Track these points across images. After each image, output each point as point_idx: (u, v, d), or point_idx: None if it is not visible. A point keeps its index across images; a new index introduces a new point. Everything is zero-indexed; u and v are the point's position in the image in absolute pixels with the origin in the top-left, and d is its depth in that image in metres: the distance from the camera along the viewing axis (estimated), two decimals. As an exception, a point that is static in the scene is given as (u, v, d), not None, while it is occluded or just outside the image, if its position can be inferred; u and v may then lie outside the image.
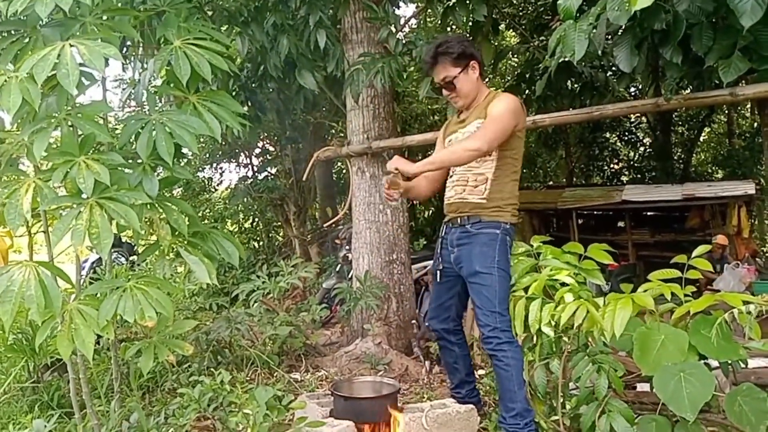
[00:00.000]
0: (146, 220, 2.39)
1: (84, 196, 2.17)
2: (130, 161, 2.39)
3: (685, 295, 2.55)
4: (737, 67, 3.07)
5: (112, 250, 2.36)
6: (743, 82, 3.86)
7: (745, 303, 2.32)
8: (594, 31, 3.09)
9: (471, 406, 2.94)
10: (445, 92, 2.97)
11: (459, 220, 2.92)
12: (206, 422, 3.04)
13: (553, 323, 2.60)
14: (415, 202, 8.25)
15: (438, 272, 3.06)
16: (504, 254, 2.80)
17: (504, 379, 2.70)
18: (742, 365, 2.61)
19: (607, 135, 12.78)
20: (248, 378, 3.80)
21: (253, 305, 4.46)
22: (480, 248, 2.80)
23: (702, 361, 2.40)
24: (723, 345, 2.37)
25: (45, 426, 2.78)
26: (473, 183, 2.89)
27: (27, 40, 2.39)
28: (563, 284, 2.73)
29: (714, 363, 2.50)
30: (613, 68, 6.39)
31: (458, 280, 2.96)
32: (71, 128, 2.31)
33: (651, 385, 2.63)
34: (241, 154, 8.52)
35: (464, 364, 3.11)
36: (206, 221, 7.93)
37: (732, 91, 3.27)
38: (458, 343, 3.08)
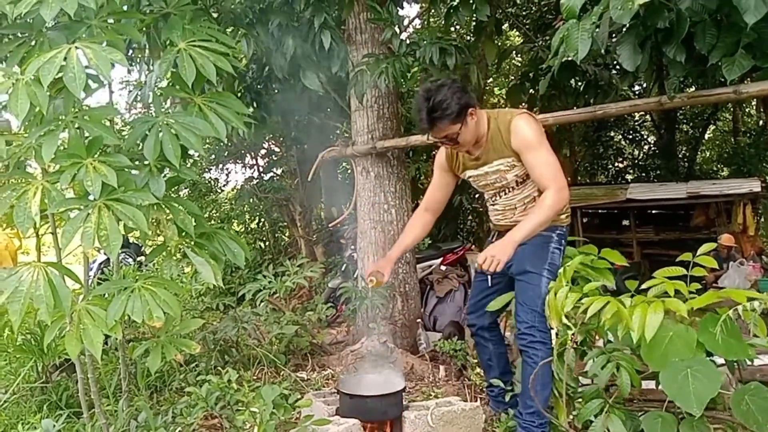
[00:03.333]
0: (153, 220, 2.42)
1: (91, 198, 2.19)
2: (136, 162, 2.41)
3: (690, 293, 2.56)
4: (741, 64, 3.07)
5: (120, 251, 2.38)
6: (748, 80, 3.85)
7: (750, 300, 2.32)
8: (597, 30, 3.09)
9: (477, 404, 2.96)
10: (446, 145, 2.84)
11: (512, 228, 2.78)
12: (213, 421, 3.06)
13: (568, 310, 2.60)
14: (419, 202, 8.26)
15: (489, 277, 2.95)
16: (556, 257, 2.80)
17: (528, 376, 2.70)
18: (748, 363, 2.61)
19: (612, 134, 12.76)
20: (255, 377, 3.82)
21: (259, 305, 4.49)
22: (532, 248, 2.77)
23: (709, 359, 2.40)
24: (731, 343, 2.37)
25: (54, 426, 2.81)
26: (522, 207, 2.87)
27: (33, 42, 2.42)
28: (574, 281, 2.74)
29: (719, 360, 2.50)
30: (617, 67, 6.38)
31: (501, 280, 2.95)
32: (78, 130, 2.33)
33: (656, 382, 2.64)
34: (247, 155, 8.55)
35: (498, 362, 3.10)
36: (213, 222, 7.96)
37: (736, 89, 3.27)
38: (492, 340, 3.08)
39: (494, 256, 2.54)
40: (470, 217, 8.90)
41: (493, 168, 2.82)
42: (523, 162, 2.72)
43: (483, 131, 2.79)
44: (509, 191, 2.88)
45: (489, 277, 2.99)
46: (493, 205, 3.00)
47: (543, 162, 2.66)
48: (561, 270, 2.76)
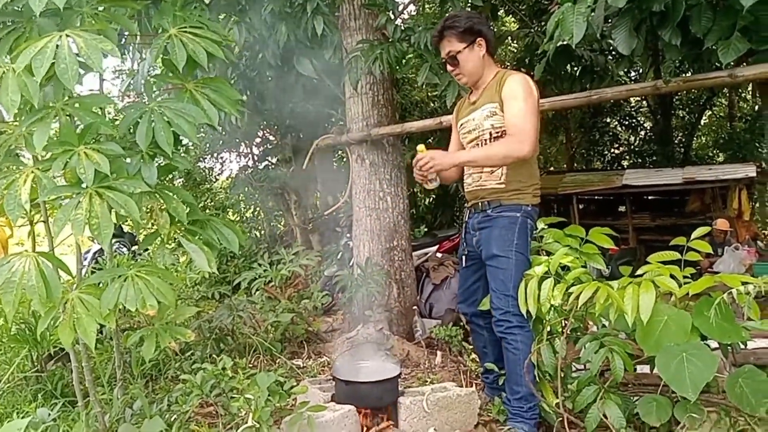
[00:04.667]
0: (146, 209, 2.40)
1: (83, 185, 2.17)
2: (128, 150, 2.39)
3: (685, 277, 2.56)
4: (736, 48, 3.05)
5: (114, 241, 2.36)
6: (744, 63, 3.83)
7: (744, 284, 2.32)
8: (592, 13, 3.07)
9: (472, 389, 2.97)
10: (449, 68, 2.95)
11: (480, 205, 2.92)
12: (209, 408, 3.07)
13: (559, 303, 2.60)
14: (415, 189, 8.25)
15: (463, 257, 3.08)
16: (523, 238, 2.79)
17: (512, 363, 2.71)
18: (742, 346, 2.63)
19: (608, 120, 12.76)
20: (251, 365, 3.82)
21: (255, 293, 4.49)
22: (499, 231, 2.79)
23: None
24: (725, 327, 2.38)
25: (49, 414, 2.81)
26: (489, 168, 2.87)
27: (23, 30, 2.38)
28: (564, 267, 2.74)
29: (713, 344, 2.51)
30: (613, 51, 6.36)
31: (483, 264, 2.95)
32: (69, 118, 2.31)
33: (651, 367, 2.65)
34: (242, 143, 8.51)
35: (493, 349, 3.06)
36: (208, 211, 7.93)
37: (731, 73, 3.25)
38: (487, 327, 3.03)
39: (433, 158, 2.70)
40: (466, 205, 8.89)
41: (480, 111, 2.87)
42: (504, 111, 2.76)
43: (488, 77, 2.91)
44: (482, 145, 2.88)
45: (464, 257, 3.07)
46: None
47: (518, 113, 2.70)
48: (544, 259, 2.77)
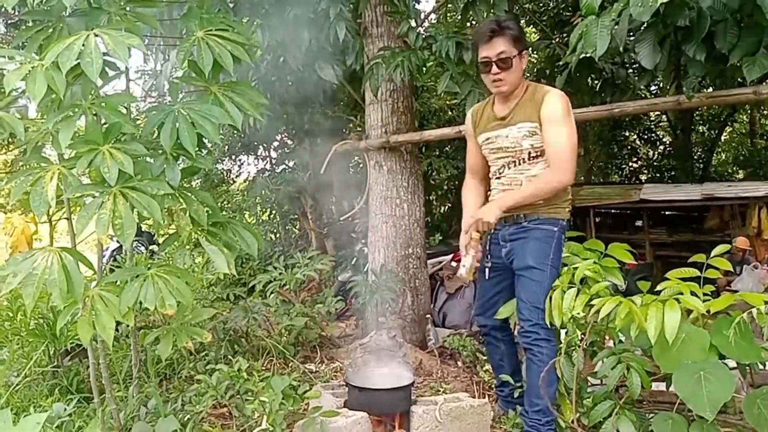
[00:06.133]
0: (166, 210, 2.42)
1: (107, 185, 2.20)
2: (152, 150, 2.41)
3: (704, 295, 2.54)
4: (762, 64, 3.02)
5: (133, 239, 2.39)
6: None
7: (765, 303, 2.29)
8: (616, 27, 3.06)
9: (485, 400, 2.95)
10: (493, 70, 2.76)
11: (514, 217, 2.87)
12: (222, 409, 3.08)
13: (579, 313, 2.58)
14: (430, 197, 8.25)
15: (486, 269, 3.03)
16: (558, 252, 2.79)
17: (534, 375, 2.69)
18: (761, 366, 2.59)
19: (627, 133, 12.68)
20: (264, 367, 3.83)
21: (269, 296, 4.50)
22: (535, 243, 2.78)
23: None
24: (744, 346, 2.35)
25: (65, 410, 2.84)
26: (522, 183, 2.85)
27: (51, 30, 2.42)
28: (582, 281, 2.73)
29: (731, 363, 2.48)
30: (635, 65, 6.33)
31: (506, 276, 2.94)
32: (95, 117, 2.34)
33: (667, 384, 2.62)
34: (260, 146, 8.57)
35: (509, 362, 3.07)
36: (225, 212, 7.98)
37: (755, 90, 3.22)
38: (504, 340, 3.04)
39: (480, 219, 2.71)
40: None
41: (515, 129, 2.81)
42: (543, 134, 2.73)
43: (520, 91, 2.85)
44: (520, 163, 2.85)
45: (487, 269, 3.02)
46: (498, 178, 2.96)
47: (559, 140, 2.68)
48: (566, 269, 2.76)
